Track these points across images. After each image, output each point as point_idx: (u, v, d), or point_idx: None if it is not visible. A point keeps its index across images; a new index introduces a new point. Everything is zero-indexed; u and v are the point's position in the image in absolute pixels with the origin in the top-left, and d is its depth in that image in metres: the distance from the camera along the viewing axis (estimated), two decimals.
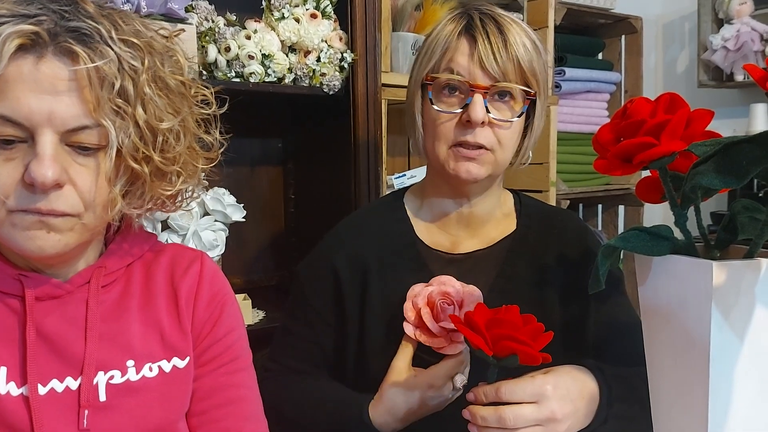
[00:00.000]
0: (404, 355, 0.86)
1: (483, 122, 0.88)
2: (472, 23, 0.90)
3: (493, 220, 1.01)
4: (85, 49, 0.64)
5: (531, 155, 0.99)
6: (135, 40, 0.68)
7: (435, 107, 0.90)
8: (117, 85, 0.65)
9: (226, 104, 0.80)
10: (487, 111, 0.88)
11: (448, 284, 0.88)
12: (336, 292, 0.96)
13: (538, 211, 1.03)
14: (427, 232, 1.00)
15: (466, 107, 0.88)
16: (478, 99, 0.88)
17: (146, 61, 0.68)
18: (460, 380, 0.83)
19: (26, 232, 0.65)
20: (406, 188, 1.06)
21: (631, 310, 0.98)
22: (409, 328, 0.86)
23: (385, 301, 0.94)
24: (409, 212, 1.01)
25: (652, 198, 0.61)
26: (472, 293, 0.87)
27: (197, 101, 0.77)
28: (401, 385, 0.85)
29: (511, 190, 1.06)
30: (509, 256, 0.97)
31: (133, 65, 0.67)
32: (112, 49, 0.65)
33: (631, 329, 0.94)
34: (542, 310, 0.92)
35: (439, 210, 1.00)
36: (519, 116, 0.91)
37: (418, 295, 0.87)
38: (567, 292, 0.95)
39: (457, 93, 0.90)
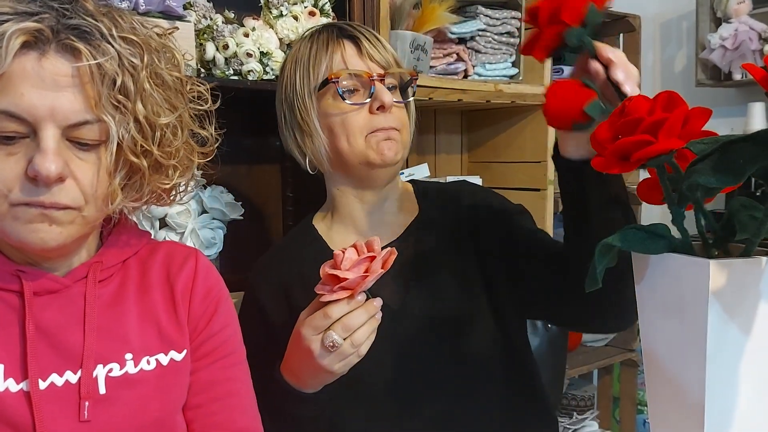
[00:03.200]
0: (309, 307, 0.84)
1: (390, 106, 0.96)
2: (343, 28, 1.00)
3: (402, 210, 1.06)
4: (87, 46, 0.65)
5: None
6: (134, 38, 0.69)
7: (348, 102, 0.95)
8: (118, 82, 0.67)
9: (219, 100, 0.81)
10: None
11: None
12: (266, 325, 1.00)
13: (433, 189, 1.10)
14: (343, 243, 1.02)
15: (372, 96, 0.95)
16: (381, 86, 0.96)
17: (145, 58, 0.69)
18: (329, 338, 0.78)
19: (29, 225, 0.66)
20: (311, 215, 1.10)
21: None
22: (322, 293, 0.80)
23: None
24: (320, 233, 1.05)
25: (654, 199, 0.61)
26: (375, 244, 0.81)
27: (193, 97, 0.78)
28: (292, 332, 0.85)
29: (410, 182, 1.13)
30: (420, 238, 1.02)
31: (132, 62, 0.68)
32: (113, 46, 0.67)
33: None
34: (465, 277, 0.99)
35: (350, 219, 1.04)
36: (414, 95, 1.04)
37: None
38: (481, 249, 1.01)
39: (356, 89, 0.97)
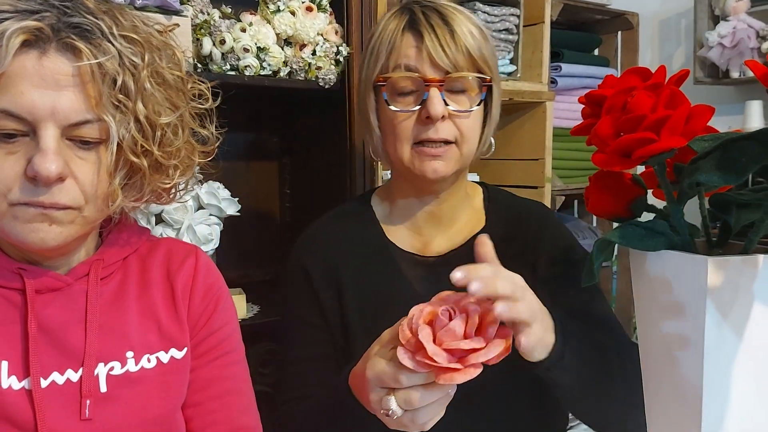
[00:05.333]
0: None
1: (443, 116, 0.86)
2: (415, 17, 0.89)
3: (463, 216, 0.99)
4: (88, 45, 0.65)
5: (493, 143, 0.98)
6: (135, 36, 0.69)
7: (392, 107, 0.88)
8: (119, 81, 0.66)
9: (219, 98, 0.81)
10: (446, 104, 0.86)
11: (449, 299, 0.65)
12: (313, 293, 0.95)
13: (505, 205, 1.01)
14: (398, 234, 0.99)
15: (423, 103, 0.86)
16: (434, 93, 0.85)
17: (146, 57, 0.69)
18: (387, 404, 0.65)
19: (28, 225, 0.66)
20: (371, 192, 1.05)
21: (602, 304, 0.93)
22: (401, 354, 0.62)
23: (363, 307, 0.92)
24: (377, 216, 1.00)
25: (651, 185, 0.61)
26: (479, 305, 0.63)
27: (193, 95, 0.78)
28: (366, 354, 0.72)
29: (481, 184, 1.05)
30: None
31: (133, 61, 0.68)
32: (113, 45, 0.66)
33: (601, 321, 0.91)
34: None
35: (407, 212, 0.98)
36: (478, 104, 0.89)
37: (415, 315, 0.64)
38: (536, 282, 0.91)
39: (411, 90, 0.88)
